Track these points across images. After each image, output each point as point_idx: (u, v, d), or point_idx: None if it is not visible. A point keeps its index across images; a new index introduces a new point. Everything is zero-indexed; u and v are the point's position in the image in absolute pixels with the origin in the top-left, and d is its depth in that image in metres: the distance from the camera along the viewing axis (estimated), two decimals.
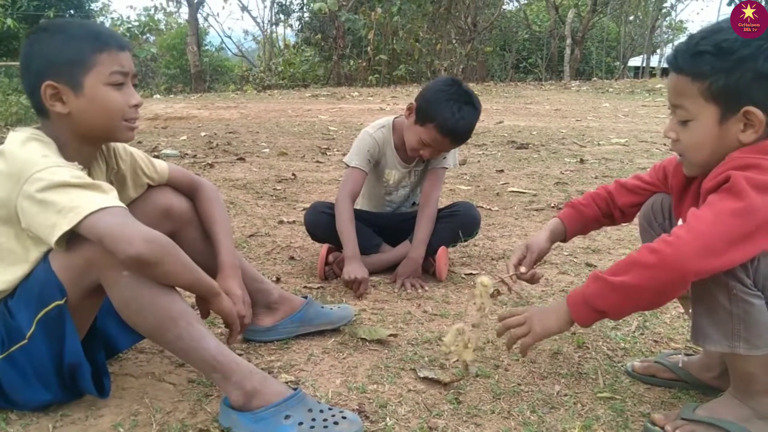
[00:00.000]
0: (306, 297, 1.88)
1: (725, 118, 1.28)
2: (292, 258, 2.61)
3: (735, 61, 1.24)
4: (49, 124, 1.41)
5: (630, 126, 7.60)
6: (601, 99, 11.85)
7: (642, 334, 1.90)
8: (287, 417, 1.31)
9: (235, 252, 1.67)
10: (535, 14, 25.57)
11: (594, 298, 1.31)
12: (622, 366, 1.69)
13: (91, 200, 1.24)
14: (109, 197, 1.28)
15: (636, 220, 1.69)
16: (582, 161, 5.10)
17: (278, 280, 2.33)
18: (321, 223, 2.41)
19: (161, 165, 1.67)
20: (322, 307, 1.88)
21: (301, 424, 1.30)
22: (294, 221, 3.17)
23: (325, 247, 2.39)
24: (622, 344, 1.83)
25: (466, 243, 2.70)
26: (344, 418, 1.33)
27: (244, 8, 22.22)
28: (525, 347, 1.49)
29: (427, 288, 2.27)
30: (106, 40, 1.39)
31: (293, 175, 4.44)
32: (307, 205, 2.81)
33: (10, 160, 1.30)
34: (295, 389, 1.37)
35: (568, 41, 20.55)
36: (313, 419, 1.32)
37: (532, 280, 1.71)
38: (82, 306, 1.36)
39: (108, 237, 1.23)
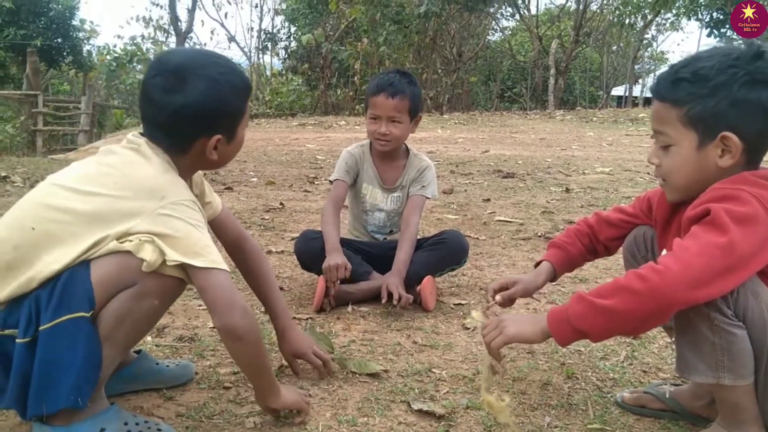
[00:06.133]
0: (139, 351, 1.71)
1: (703, 144, 1.32)
2: (281, 288, 2.60)
3: (711, 88, 1.28)
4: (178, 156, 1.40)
5: (614, 155, 7.70)
6: (585, 128, 11.99)
7: (631, 364, 1.91)
8: (102, 430, 1.33)
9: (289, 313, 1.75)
10: (520, 44, 25.98)
11: (577, 318, 1.30)
12: (611, 397, 1.70)
13: (218, 255, 1.31)
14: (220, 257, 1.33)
15: (620, 251, 1.71)
16: (567, 190, 5.16)
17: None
18: (311, 250, 2.41)
19: (218, 199, 1.68)
20: (157, 364, 1.70)
21: None
22: (282, 251, 3.16)
23: (323, 278, 2.33)
24: (611, 375, 1.83)
25: (454, 273, 2.71)
26: (159, 430, 1.38)
27: (231, 38, 22.30)
28: (495, 346, 1.44)
29: (411, 299, 2.28)
30: (250, 84, 1.44)
31: (281, 204, 4.44)
32: (296, 235, 2.82)
33: (148, 173, 1.33)
34: (112, 404, 1.40)
35: (552, 71, 20.85)
36: (129, 431, 1.35)
37: (503, 304, 1.72)
38: None
39: (219, 298, 1.30)
